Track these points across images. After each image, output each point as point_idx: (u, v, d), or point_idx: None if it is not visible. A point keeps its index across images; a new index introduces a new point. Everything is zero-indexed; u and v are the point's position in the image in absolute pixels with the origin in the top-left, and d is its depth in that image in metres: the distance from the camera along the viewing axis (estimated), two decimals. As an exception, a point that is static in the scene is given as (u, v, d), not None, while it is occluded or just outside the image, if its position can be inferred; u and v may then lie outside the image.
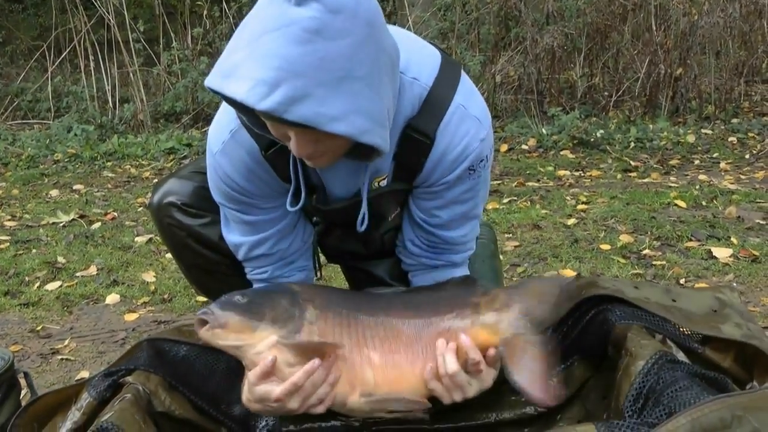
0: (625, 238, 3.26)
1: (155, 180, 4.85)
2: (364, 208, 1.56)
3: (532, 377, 1.39)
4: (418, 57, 1.50)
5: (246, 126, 1.47)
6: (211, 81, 1.28)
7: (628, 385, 1.26)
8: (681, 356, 1.31)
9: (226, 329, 1.37)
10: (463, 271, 1.75)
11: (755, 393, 1.11)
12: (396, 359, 1.43)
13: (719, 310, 1.46)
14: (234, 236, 1.67)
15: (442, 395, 1.43)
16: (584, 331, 1.50)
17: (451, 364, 1.40)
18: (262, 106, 1.18)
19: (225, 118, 1.55)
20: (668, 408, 1.11)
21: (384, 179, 1.58)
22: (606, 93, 6.40)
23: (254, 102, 1.19)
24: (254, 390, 1.38)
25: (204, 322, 1.37)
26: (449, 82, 1.50)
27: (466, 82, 1.55)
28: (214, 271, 1.85)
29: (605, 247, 3.18)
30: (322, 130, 1.21)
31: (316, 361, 1.35)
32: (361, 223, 1.56)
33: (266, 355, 1.36)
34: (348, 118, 1.21)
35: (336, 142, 1.31)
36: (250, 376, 1.38)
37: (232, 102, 1.33)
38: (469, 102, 1.53)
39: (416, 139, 1.48)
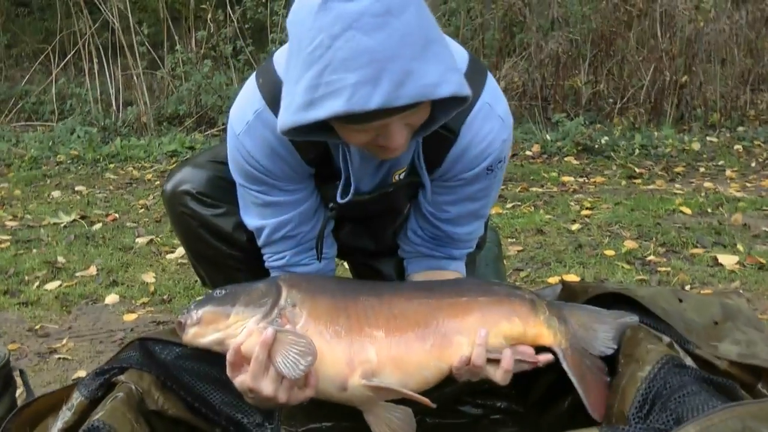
0: (629, 244, 3.23)
1: (157, 182, 4.84)
2: (427, 183, 1.56)
3: (593, 391, 1.35)
4: None
5: (272, 109, 1.45)
6: (292, 119, 1.24)
7: (633, 390, 1.22)
8: (689, 361, 1.28)
9: (202, 324, 1.33)
10: (460, 266, 1.73)
11: (767, 402, 1.07)
12: (403, 337, 1.35)
13: (721, 323, 1.42)
14: (255, 220, 1.64)
15: (456, 377, 1.37)
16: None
17: (481, 359, 1.35)
18: (372, 105, 1.16)
19: (248, 99, 1.52)
20: (675, 413, 1.07)
21: (403, 172, 1.57)
22: (611, 100, 6.38)
23: (361, 106, 1.16)
24: (235, 384, 1.33)
25: (183, 326, 1.34)
26: (477, 80, 1.49)
27: (492, 82, 1.55)
28: (223, 264, 1.81)
29: (609, 252, 3.15)
30: (432, 99, 1.21)
31: (269, 331, 1.28)
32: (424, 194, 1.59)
33: (249, 342, 1.30)
34: (447, 79, 1.21)
35: (421, 118, 1.31)
36: (227, 369, 1.32)
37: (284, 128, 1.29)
38: (494, 101, 1.53)
39: (440, 133, 1.46)
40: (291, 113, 1.24)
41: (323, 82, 1.18)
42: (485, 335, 1.35)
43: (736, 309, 1.44)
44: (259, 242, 1.67)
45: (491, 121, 1.52)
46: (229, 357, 1.31)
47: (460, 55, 1.50)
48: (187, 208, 1.76)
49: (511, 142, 1.60)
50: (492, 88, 1.53)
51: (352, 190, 1.52)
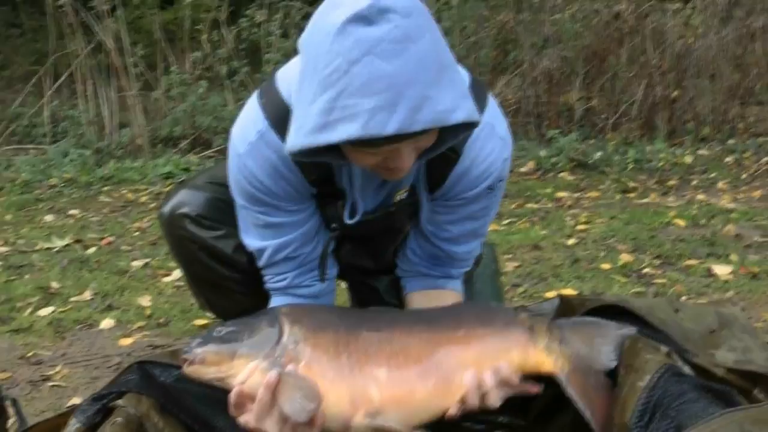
0: (625, 257, 3.24)
1: (152, 205, 4.83)
2: (425, 205, 1.59)
3: (599, 410, 1.34)
4: None
5: (275, 129, 1.47)
6: (303, 141, 1.25)
7: (634, 400, 1.22)
8: (687, 369, 1.28)
9: (205, 364, 1.34)
10: (457, 285, 1.74)
11: (764, 407, 1.08)
12: (405, 376, 1.36)
13: (717, 331, 1.43)
14: (256, 241, 1.63)
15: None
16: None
17: (496, 401, 1.37)
18: (388, 131, 1.18)
19: (251, 119, 1.52)
20: (676, 421, 1.08)
21: (405, 192, 1.58)
22: (604, 115, 6.40)
23: (377, 131, 1.18)
24: (239, 422, 1.33)
25: (185, 362, 1.35)
26: (479, 101, 1.51)
27: (493, 102, 1.58)
28: (223, 287, 1.81)
29: (606, 266, 3.15)
30: (447, 125, 1.23)
31: (272, 373, 1.30)
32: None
33: (252, 382, 1.31)
34: (460, 106, 1.24)
35: (430, 141, 1.32)
36: (230, 408, 1.33)
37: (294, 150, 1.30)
38: (496, 121, 1.56)
39: (443, 153, 1.47)
40: (303, 135, 1.24)
41: (339, 106, 1.18)
42: (490, 382, 1.36)
43: (732, 317, 1.45)
44: (260, 264, 1.66)
45: (493, 140, 1.54)
46: (232, 398, 1.32)
47: (463, 75, 1.51)
48: (186, 231, 1.76)
49: (511, 161, 1.62)
50: (493, 109, 1.55)
51: (359, 211, 1.52)
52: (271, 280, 1.67)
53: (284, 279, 1.65)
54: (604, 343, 1.40)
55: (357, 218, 1.53)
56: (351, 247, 1.78)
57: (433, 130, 1.26)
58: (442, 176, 1.55)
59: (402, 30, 1.18)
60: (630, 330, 1.40)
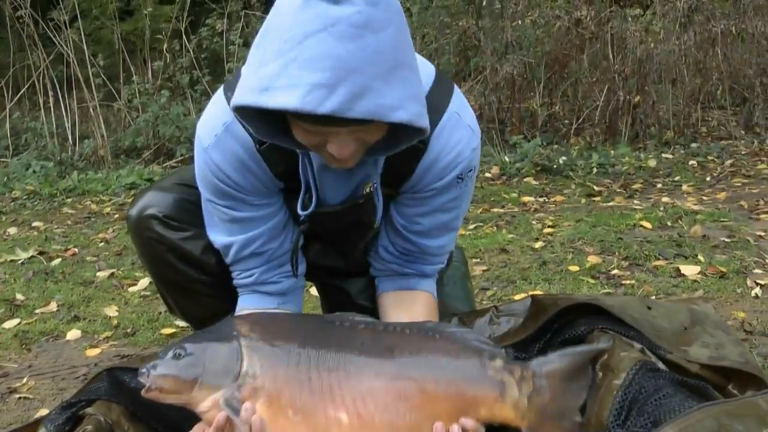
0: (593, 259, 3.26)
1: (116, 216, 4.77)
2: (380, 208, 1.57)
3: None
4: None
5: (242, 122, 1.44)
6: (244, 98, 1.23)
7: (610, 399, 1.23)
8: (661, 366, 1.29)
9: (164, 391, 1.32)
10: (430, 285, 1.73)
11: (740, 401, 1.10)
12: (369, 422, 1.29)
13: (690, 327, 1.45)
14: (222, 237, 1.62)
15: None
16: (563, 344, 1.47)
17: None
18: (323, 109, 1.16)
19: (217, 112, 1.52)
20: (653, 416, 1.09)
21: (374, 184, 1.58)
22: (566, 121, 6.47)
23: (313, 107, 1.17)
24: None
25: (145, 387, 1.32)
26: (444, 91, 1.52)
27: (459, 93, 1.58)
28: (191, 290, 1.78)
29: (574, 268, 3.17)
30: (386, 121, 1.21)
31: (221, 415, 1.27)
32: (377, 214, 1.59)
33: (212, 414, 1.30)
34: (405, 106, 1.22)
35: (374, 136, 1.31)
36: None
37: (245, 115, 1.30)
38: (462, 111, 1.56)
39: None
40: (244, 92, 1.23)
41: (285, 74, 1.18)
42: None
43: (704, 314, 1.46)
44: (227, 260, 1.65)
45: (460, 129, 1.54)
46: None
47: (427, 70, 1.51)
48: (154, 232, 1.73)
49: (480, 151, 1.61)
50: (459, 99, 1.55)
51: (313, 203, 1.51)
52: (238, 276, 1.66)
53: (251, 275, 1.64)
54: (581, 380, 1.35)
55: (310, 210, 1.52)
56: (320, 247, 1.77)
57: (376, 124, 1.25)
58: (409, 168, 1.54)
59: (364, 17, 1.18)
60: (607, 344, 1.38)
